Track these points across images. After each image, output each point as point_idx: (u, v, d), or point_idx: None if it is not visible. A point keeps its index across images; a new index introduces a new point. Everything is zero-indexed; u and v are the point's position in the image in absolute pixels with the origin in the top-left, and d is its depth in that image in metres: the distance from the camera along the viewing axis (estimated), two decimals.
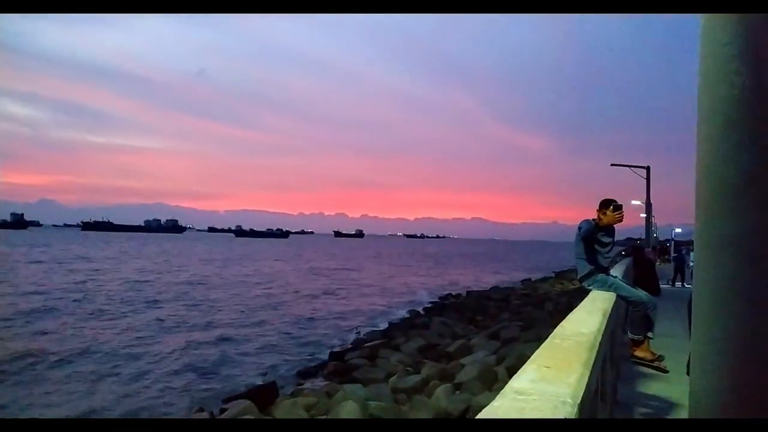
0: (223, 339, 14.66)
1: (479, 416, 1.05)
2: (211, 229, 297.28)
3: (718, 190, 1.00)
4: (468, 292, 26.35)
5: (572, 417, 1.09)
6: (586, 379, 1.40)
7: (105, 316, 17.66)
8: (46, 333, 14.57)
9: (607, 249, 4.47)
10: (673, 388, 5.15)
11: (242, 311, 19.72)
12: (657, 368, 4.27)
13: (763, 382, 0.95)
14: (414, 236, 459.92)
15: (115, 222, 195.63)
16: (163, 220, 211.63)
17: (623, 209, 4.20)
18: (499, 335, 12.62)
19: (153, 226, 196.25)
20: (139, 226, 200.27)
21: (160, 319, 17.34)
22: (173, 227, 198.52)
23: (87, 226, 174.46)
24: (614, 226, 4.49)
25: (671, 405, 4.80)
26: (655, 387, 5.37)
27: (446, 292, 27.01)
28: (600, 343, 1.96)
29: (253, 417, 7.14)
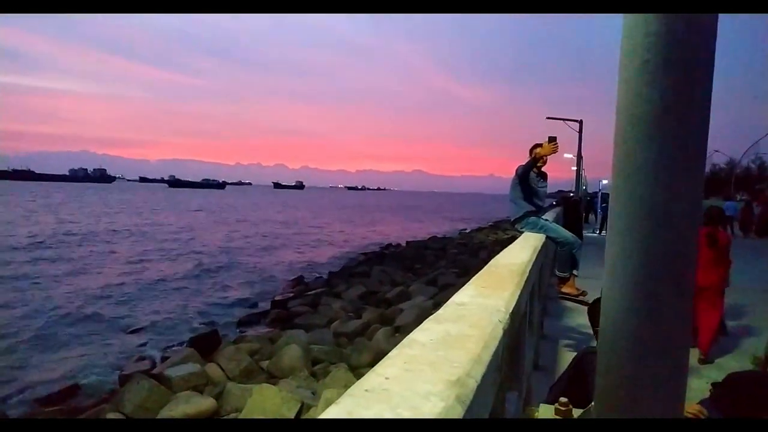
0: (165, 291, 14.38)
1: (422, 325, 1.18)
2: (143, 179, 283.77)
3: (633, 122, 1.14)
4: (407, 242, 26.98)
5: (504, 324, 1.24)
6: (516, 297, 1.56)
7: (43, 272, 16.74)
8: None
9: (542, 194, 4.78)
10: (588, 323, 5.67)
11: (182, 263, 19.30)
12: (581, 302, 4.70)
13: (665, 291, 1.12)
14: (355, 188, 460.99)
15: (37, 171, 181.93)
16: (90, 169, 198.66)
17: (557, 141, 4.47)
18: (436, 281, 13.17)
19: (79, 176, 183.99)
20: (64, 175, 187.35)
21: (92, 265, 16.71)
22: (101, 177, 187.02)
23: (4, 175, 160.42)
24: (547, 174, 4.80)
25: (589, 336, 5.30)
26: (576, 321, 5.90)
27: (386, 242, 27.53)
28: (529, 272, 2.16)
29: (197, 368, 7.16)
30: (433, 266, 17.05)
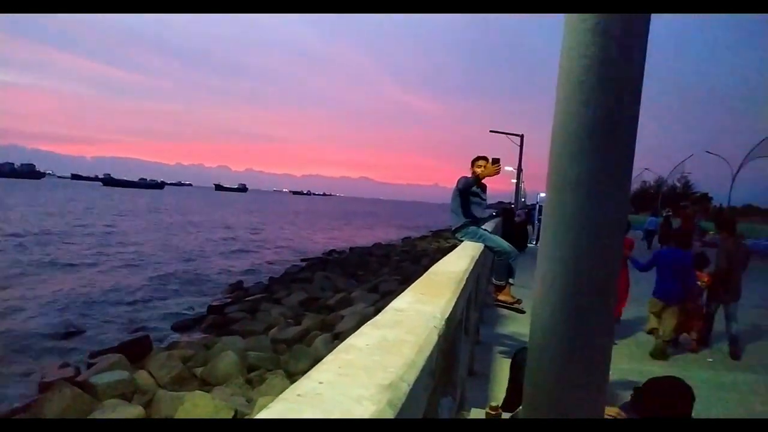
0: (93, 294, 13.57)
1: (360, 330, 1.18)
2: (75, 177, 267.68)
3: (567, 139, 1.20)
4: (351, 248, 26.94)
5: (439, 330, 1.26)
6: (453, 304, 1.60)
7: None
8: None
9: (482, 205, 4.94)
10: (524, 331, 5.88)
11: (112, 266, 18.33)
12: (516, 309, 4.85)
13: (589, 300, 1.18)
14: (301, 193, 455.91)
15: None
16: (17, 163, 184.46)
17: (500, 163, 4.65)
18: (378, 288, 13.21)
19: (5, 171, 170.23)
20: None
21: (20, 268, 15.56)
22: (29, 172, 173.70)
23: None
24: (486, 186, 4.96)
25: (523, 344, 5.49)
26: (510, 329, 6.08)
27: (330, 248, 27.36)
28: (466, 280, 2.21)
29: (125, 376, 6.81)
30: (376, 273, 17.12)
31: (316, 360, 7.31)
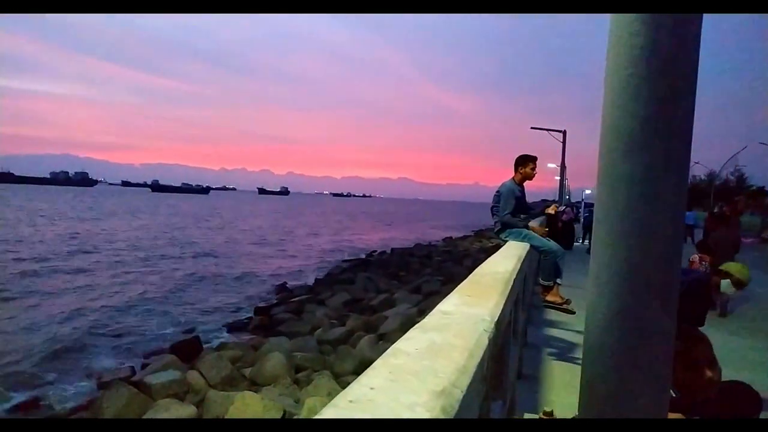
0: (147, 297, 14.14)
1: (408, 334, 1.17)
2: (125, 183, 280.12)
3: (617, 134, 1.15)
4: (392, 249, 26.97)
5: (489, 333, 1.24)
6: (501, 306, 1.57)
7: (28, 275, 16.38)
8: None
9: (523, 206, 4.86)
10: (573, 332, 5.72)
11: (164, 270, 19.03)
12: (566, 310, 4.72)
13: (649, 302, 1.13)
14: (341, 195, 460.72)
15: (17, 173, 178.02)
16: (71, 172, 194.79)
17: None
18: (420, 289, 13.18)
19: (60, 179, 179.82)
20: (45, 178, 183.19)
21: (81, 272, 16.39)
22: (83, 180, 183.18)
23: None
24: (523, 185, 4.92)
25: (573, 345, 5.35)
26: (559, 330, 5.93)
27: (371, 249, 27.49)
28: (514, 281, 2.16)
29: (178, 376, 7.05)
30: (418, 274, 17.07)
31: (362, 361, 7.38)
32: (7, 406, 7.02)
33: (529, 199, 5.09)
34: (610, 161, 1.18)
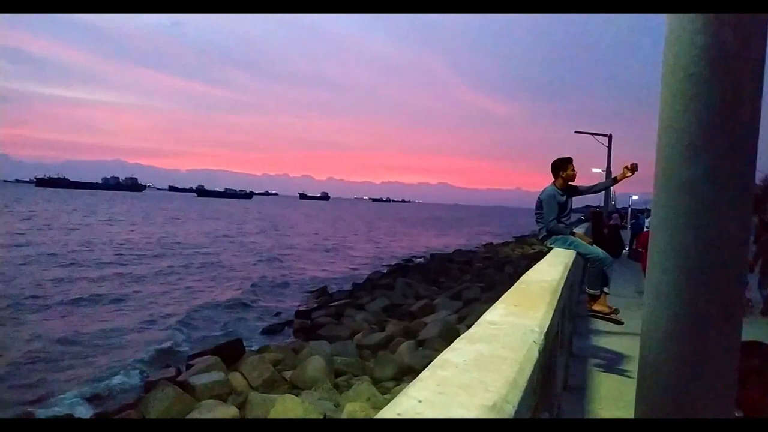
0: (191, 300, 14.57)
1: (454, 345, 1.14)
2: (172, 188, 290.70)
3: (677, 137, 1.09)
4: (432, 254, 26.81)
5: (539, 346, 1.19)
6: (550, 316, 1.51)
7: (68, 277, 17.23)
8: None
9: (567, 210, 4.72)
10: (622, 342, 5.51)
11: (206, 273, 19.57)
12: (613, 320, 4.55)
13: (713, 315, 1.06)
14: (380, 200, 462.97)
15: (72, 179, 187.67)
16: (121, 177, 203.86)
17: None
18: (461, 296, 13.02)
19: (111, 184, 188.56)
20: (97, 183, 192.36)
21: (125, 276, 17.07)
22: (132, 185, 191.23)
23: (41, 182, 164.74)
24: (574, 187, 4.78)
25: (621, 356, 5.15)
26: (605, 341, 5.73)
27: (410, 255, 27.42)
28: (561, 290, 2.10)
29: (221, 377, 7.21)
30: (457, 280, 16.90)
31: (401, 367, 7.33)
32: (69, 401, 7.39)
33: (574, 204, 4.95)
34: (669, 166, 1.12)
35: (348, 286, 17.36)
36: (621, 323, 4.56)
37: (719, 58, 1.04)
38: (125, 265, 20.00)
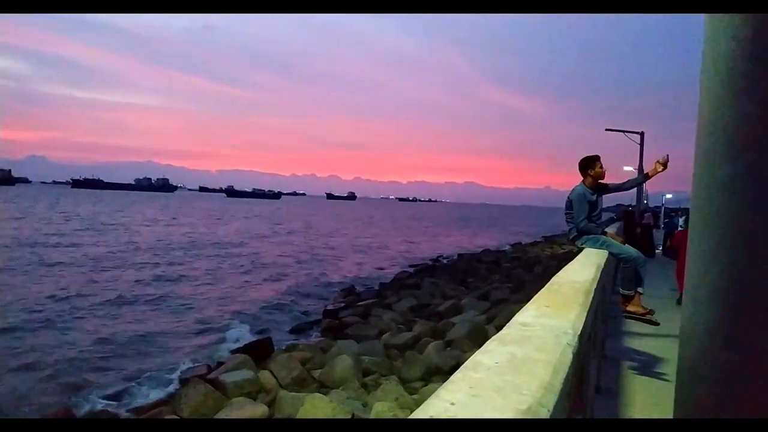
0: (221, 298, 14.83)
1: (486, 346, 1.13)
2: (202, 189, 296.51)
3: (717, 134, 1.05)
4: (459, 254, 26.65)
5: (573, 348, 1.17)
6: (584, 318, 1.48)
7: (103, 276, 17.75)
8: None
9: (597, 209, 4.63)
10: (657, 343, 5.36)
11: (235, 272, 19.89)
12: (648, 321, 4.44)
13: (754, 314, 1.02)
14: (406, 199, 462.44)
15: (106, 180, 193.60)
16: (153, 178, 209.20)
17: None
18: (489, 296, 12.89)
19: (144, 185, 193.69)
20: (130, 184, 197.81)
21: (159, 276, 17.51)
22: (164, 186, 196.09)
23: (77, 184, 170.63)
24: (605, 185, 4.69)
25: (656, 358, 5.02)
26: (639, 343, 5.59)
27: (438, 254, 27.31)
28: (594, 291, 2.05)
29: (250, 375, 7.32)
30: (486, 280, 16.74)
31: (429, 367, 7.31)
32: (99, 396, 7.62)
33: (605, 203, 4.85)
34: (709, 164, 1.08)
35: (375, 286, 17.40)
36: (657, 324, 4.44)
37: (761, 52, 1.00)
38: (169, 265, 20.44)
